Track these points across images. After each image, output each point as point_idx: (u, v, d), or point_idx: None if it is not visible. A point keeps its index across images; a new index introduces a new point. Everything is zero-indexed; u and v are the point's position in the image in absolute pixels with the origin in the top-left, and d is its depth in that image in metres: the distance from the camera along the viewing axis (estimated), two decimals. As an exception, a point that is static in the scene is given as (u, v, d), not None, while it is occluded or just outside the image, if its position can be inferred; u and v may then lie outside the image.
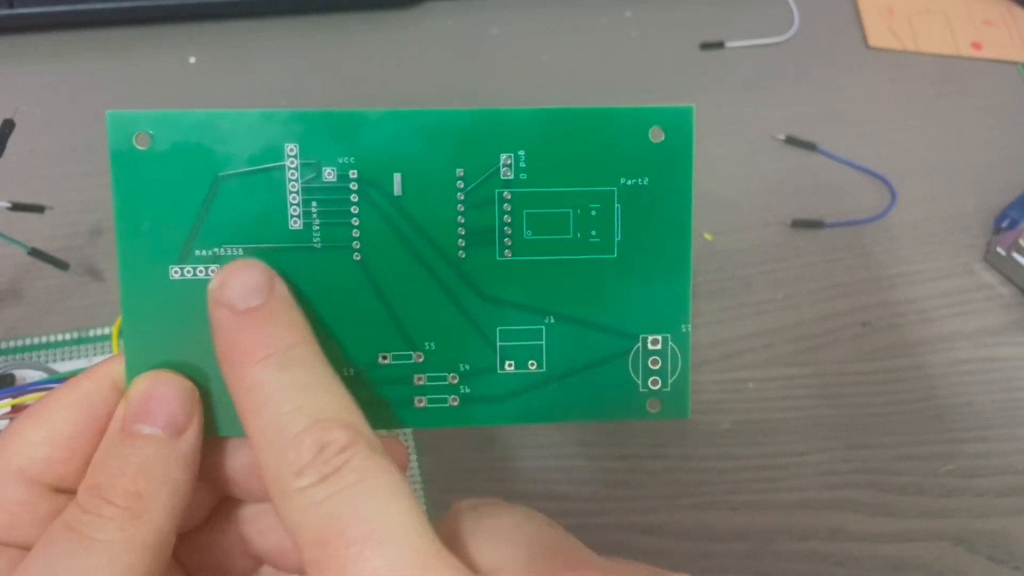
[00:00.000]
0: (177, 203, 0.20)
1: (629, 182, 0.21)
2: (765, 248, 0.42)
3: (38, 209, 0.37)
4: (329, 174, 0.21)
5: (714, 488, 0.35)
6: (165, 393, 0.20)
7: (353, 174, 0.21)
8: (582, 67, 0.49)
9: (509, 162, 0.21)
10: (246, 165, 0.20)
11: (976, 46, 0.53)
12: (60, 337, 0.36)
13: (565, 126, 0.21)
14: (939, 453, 0.36)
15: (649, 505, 0.34)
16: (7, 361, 0.34)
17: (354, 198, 0.21)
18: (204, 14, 0.49)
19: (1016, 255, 0.41)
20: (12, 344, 0.36)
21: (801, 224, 0.43)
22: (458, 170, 0.21)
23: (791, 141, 0.46)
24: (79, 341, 0.36)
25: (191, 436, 0.19)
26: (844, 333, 0.40)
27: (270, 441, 0.18)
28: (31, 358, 0.35)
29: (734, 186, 0.44)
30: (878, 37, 0.52)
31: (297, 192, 0.21)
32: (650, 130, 0.21)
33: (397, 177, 0.21)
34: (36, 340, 0.36)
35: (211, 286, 0.20)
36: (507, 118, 0.21)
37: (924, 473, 0.36)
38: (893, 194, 0.45)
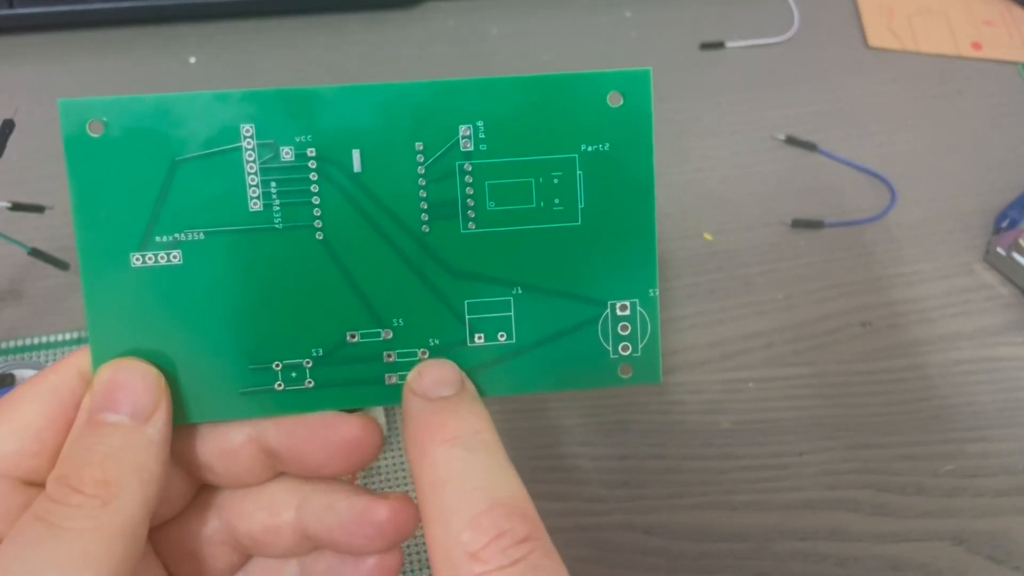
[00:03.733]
0: (135, 189, 0.20)
1: (590, 148, 0.21)
2: (765, 248, 0.42)
3: (38, 209, 0.37)
4: (287, 153, 0.20)
5: (714, 488, 0.35)
6: (129, 380, 0.20)
7: (311, 152, 0.20)
8: (582, 67, 0.49)
9: (468, 133, 0.21)
10: (202, 148, 0.20)
11: (976, 46, 0.53)
12: (60, 337, 0.36)
13: (523, 94, 0.21)
14: (939, 453, 0.36)
15: (649, 505, 0.34)
16: (7, 361, 0.34)
17: (313, 176, 0.20)
18: (204, 14, 0.49)
19: (1016, 255, 0.41)
20: (12, 344, 0.36)
21: (801, 224, 0.43)
22: (417, 144, 0.21)
23: (791, 141, 0.46)
24: (79, 341, 0.36)
25: (158, 422, 0.19)
26: (844, 333, 0.40)
27: (447, 518, 0.18)
28: (31, 358, 0.35)
29: (734, 186, 0.44)
30: (878, 37, 0.52)
31: (255, 173, 0.20)
32: (608, 95, 0.21)
33: (356, 154, 0.20)
34: (36, 340, 0.36)
35: (408, 377, 0.21)
36: (464, 89, 0.21)
37: (924, 473, 0.36)
38: (893, 194, 0.45)
